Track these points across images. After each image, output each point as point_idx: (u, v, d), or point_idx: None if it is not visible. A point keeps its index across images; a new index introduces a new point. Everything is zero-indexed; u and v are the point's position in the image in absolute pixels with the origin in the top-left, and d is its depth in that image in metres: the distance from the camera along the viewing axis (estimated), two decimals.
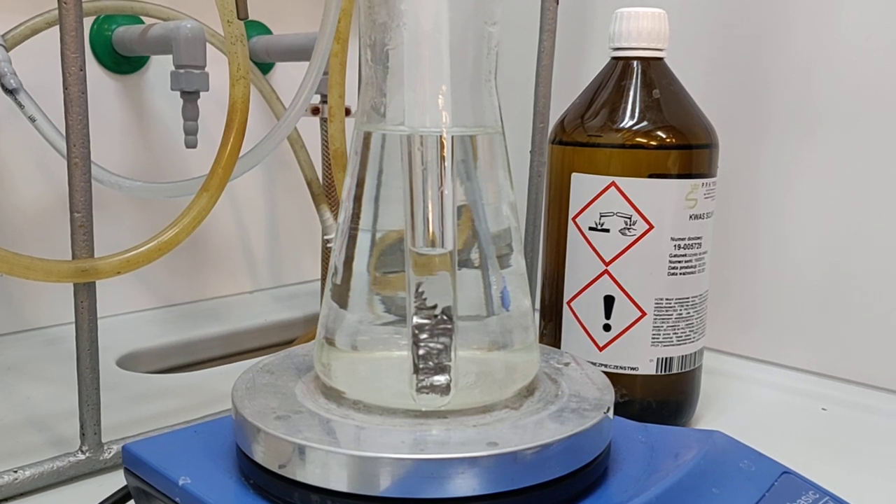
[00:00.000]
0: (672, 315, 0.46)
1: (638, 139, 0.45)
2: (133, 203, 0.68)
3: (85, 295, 0.39)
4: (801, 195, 0.59)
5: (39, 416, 0.48)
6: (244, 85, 0.44)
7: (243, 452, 0.30)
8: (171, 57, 0.59)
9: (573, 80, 0.62)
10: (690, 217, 0.45)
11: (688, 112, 0.47)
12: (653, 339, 0.46)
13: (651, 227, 0.45)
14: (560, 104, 0.52)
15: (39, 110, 0.53)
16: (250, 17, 0.44)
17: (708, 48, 0.62)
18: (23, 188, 0.63)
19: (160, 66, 0.69)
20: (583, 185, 0.46)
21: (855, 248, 0.57)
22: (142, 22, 0.66)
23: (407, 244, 0.29)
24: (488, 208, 0.32)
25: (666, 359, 0.46)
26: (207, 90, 0.60)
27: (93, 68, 0.65)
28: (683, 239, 0.45)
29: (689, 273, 0.46)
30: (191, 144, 0.62)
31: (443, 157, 0.29)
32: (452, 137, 0.29)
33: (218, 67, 0.60)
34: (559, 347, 0.48)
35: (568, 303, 0.47)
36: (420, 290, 0.29)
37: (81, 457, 0.40)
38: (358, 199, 0.32)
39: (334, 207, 0.65)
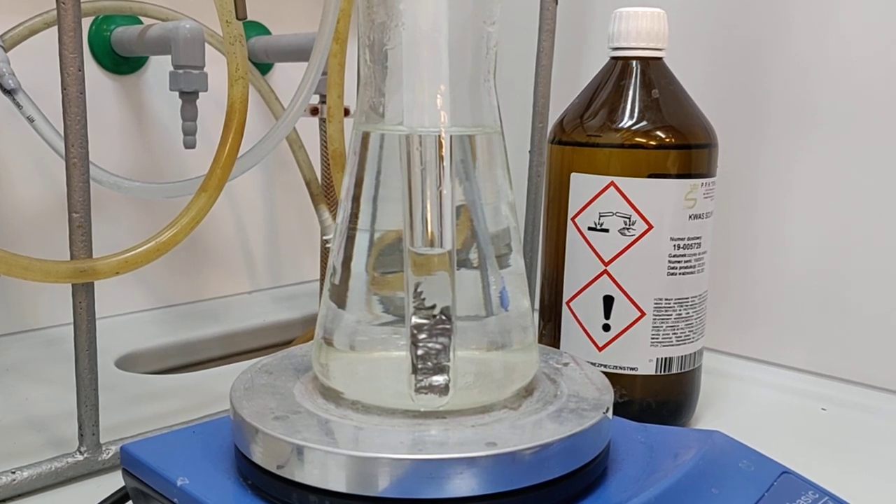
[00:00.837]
0: (671, 315, 0.46)
1: (637, 139, 0.45)
2: (131, 203, 0.68)
3: (83, 295, 0.39)
4: (801, 195, 0.58)
5: (38, 417, 0.48)
6: (243, 85, 0.44)
7: (241, 453, 0.30)
8: (169, 57, 0.59)
9: (572, 80, 0.62)
10: (690, 217, 0.45)
11: (687, 112, 0.47)
12: (652, 339, 0.46)
13: (650, 227, 0.45)
14: (559, 104, 0.52)
15: (38, 111, 0.53)
16: (249, 18, 0.44)
17: (707, 48, 0.62)
18: (21, 188, 0.63)
19: (159, 67, 0.69)
20: (582, 185, 0.46)
21: (854, 247, 0.57)
22: (140, 22, 0.66)
23: (406, 244, 0.29)
24: (487, 208, 0.32)
25: (665, 359, 0.46)
26: (206, 90, 0.60)
27: (91, 69, 0.65)
28: (683, 239, 0.45)
29: (688, 273, 0.46)
30: (189, 145, 0.62)
31: (441, 157, 0.29)
32: (451, 137, 0.29)
33: (217, 68, 0.60)
34: (558, 348, 0.48)
35: (567, 303, 0.47)
36: (419, 290, 0.29)
37: (80, 457, 0.40)
38: (356, 199, 0.32)
39: (333, 208, 0.65)
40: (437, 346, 0.29)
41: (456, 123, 0.30)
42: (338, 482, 0.28)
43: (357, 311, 0.32)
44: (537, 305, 0.50)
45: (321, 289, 0.72)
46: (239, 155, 0.45)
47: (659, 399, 0.47)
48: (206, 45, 0.60)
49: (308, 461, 0.28)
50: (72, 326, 0.39)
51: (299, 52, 0.67)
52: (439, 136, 0.29)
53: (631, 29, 0.46)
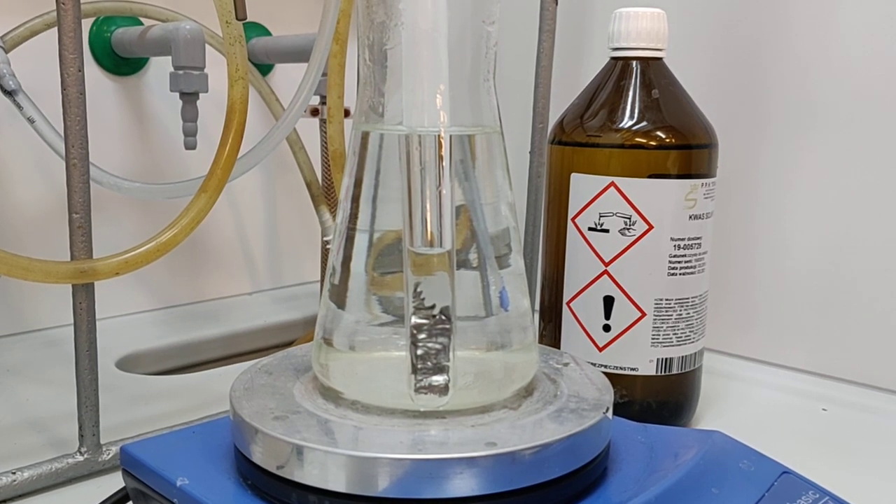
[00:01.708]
0: (672, 315, 0.46)
1: (637, 139, 0.45)
2: (131, 204, 0.68)
3: (84, 296, 0.39)
4: (801, 195, 0.58)
5: (38, 418, 0.48)
6: (243, 86, 0.44)
7: (241, 453, 0.30)
8: (170, 58, 0.59)
9: (572, 81, 0.62)
10: (690, 217, 0.45)
11: (687, 112, 0.47)
12: (653, 339, 0.46)
13: (651, 227, 0.45)
14: (559, 104, 0.52)
15: (38, 112, 0.53)
16: (249, 19, 0.44)
17: (707, 48, 0.62)
18: (21, 189, 0.63)
19: (159, 68, 0.69)
20: (582, 186, 0.46)
21: (854, 248, 0.57)
22: (141, 23, 0.66)
23: (405, 244, 0.29)
24: (487, 208, 0.32)
25: (666, 359, 0.46)
26: (206, 91, 0.60)
27: (92, 70, 0.65)
28: (683, 239, 0.45)
29: (688, 273, 0.46)
30: (190, 146, 0.62)
31: (441, 157, 0.29)
32: (451, 137, 0.29)
33: (217, 69, 0.60)
34: (559, 348, 0.48)
35: (567, 303, 0.47)
36: (418, 290, 0.29)
37: (80, 458, 0.40)
38: (356, 200, 0.32)
39: (333, 208, 0.65)
40: (437, 346, 0.29)
41: (455, 123, 0.30)
42: (337, 482, 0.28)
43: (357, 312, 0.32)
44: (537, 306, 0.50)
45: (321, 290, 0.72)
46: (239, 156, 0.45)
47: (659, 399, 0.47)
48: (207, 46, 0.60)
49: (308, 461, 0.28)
50: (72, 327, 0.39)
51: (299, 53, 0.67)
52: (439, 136, 0.29)
53: (631, 29, 0.46)
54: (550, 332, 0.49)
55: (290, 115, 0.50)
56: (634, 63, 0.47)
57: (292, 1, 0.78)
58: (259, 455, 0.29)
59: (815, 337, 0.59)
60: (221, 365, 0.65)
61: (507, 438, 0.28)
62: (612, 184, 0.45)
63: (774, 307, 0.60)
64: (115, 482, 0.38)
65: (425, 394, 0.30)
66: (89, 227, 0.38)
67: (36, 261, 0.38)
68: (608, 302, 0.46)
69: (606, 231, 0.46)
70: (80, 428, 0.40)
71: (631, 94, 0.46)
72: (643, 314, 0.45)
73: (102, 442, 0.41)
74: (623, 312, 0.46)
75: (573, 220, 0.47)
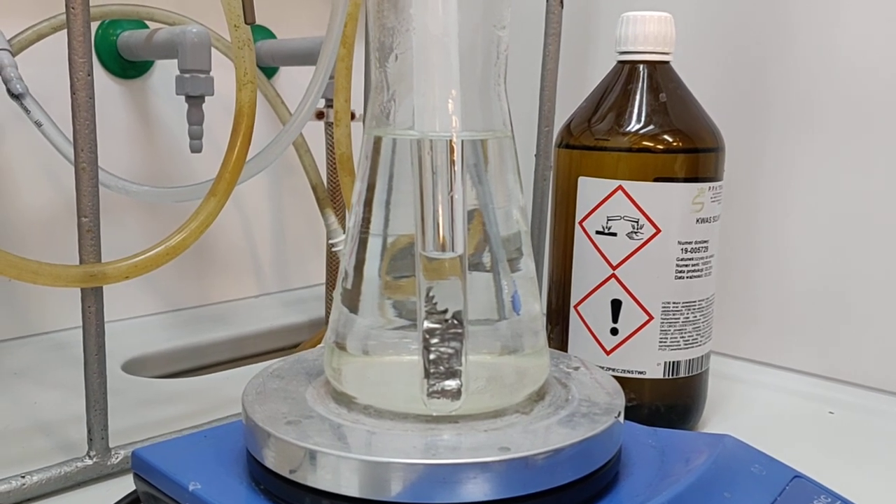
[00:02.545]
0: (679, 319, 0.46)
1: (645, 143, 0.45)
2: (137, 207, 0.68)
3: (93, 300, 0.39)
4: (808, 197, 0.58)
5: (46, 421, 0.48)
6: (251, 90, 0.44)
7: (254, 457, 0.30)
8: (176, 61, 0.59)
9: (579, 84, 0.62)
10: (697, 221, 0.45)
11: (694, 116, 0.47)
12: (660, 342, 0.46)
13: (658, 230, 0.45)
14: (566, 108, 0.52)
15: (45, 115, 0.53)
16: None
17: (714, 52, 0.62)
18: (29, 193, 0.64)
19: (165, 71, 0.69)
20: (590, 189, 0.46)
21: (861, 250, 0.57)
22: (146, 27, 0.67)
23: (417, 248, 0.29)
24: (499, 212, 0.32)
25: (673, 363, 0.46)
26: (212, 94, 0.60)
27: (98, 73, 0.65)
28: (690, 243, 0.45)
29: (696, 277, 0.46)
30: (196, 149, 0.62)
31: (452, 162, 0.29)
32: (462, 142, 0.29)
33: (223, 72, 0.60)
34: (566, 351, 0.48)
35: (575, 307, 0.47)
36: (430, 294, 0.29)
37: (89, 462, 0.40)
38: (368, 204, 0.32)
39: (339, 212, 0.65)
40: (449, 351, 0.29)
41: (467, 128, 0.30)
42: (350, 487, 0.28)
43: (370, 316, 0.32)
44: (545, 309, 0.50)
45: (327, 293, 0.73)
46: (247, 159, 0.45)
47: (667, 403, 0.47)
48: (213, 50, 0.60)
49: (321, 466, 0.28)
50: (79, 330, 0.39)
51: (305, 56, 0.67)
52: (450, 141, 0.29)
53: (638, 33, 0.46)
54: (558, 336, 0.49)
55: (298, 119, 0.50)
56: (641, 66, 0.47)
57: (297, 4, 0.78)
58: (272, 459, 0.29)
59: (820, 339, 0.59)
60: (228, 368, 0.65)
61: (520, 443, 0.28)
62: (620, 187, 0.45)
63: (779, 309, 0.60)
64: (124, 486, 0.38)
65: (438, 398, 0.30)
66: (98, 231, 0.38)
67: (45, 265, 0.38)
68: (616, 305, 0.46)
69: (614, 234, 0.46)
70: (89, 432, 0.40)
71: (638, 97, 0.46)
72: (651, 317, 0.45)
73: (111, 446, 0.41)
74: (630, 316, 0.46)
75: (581, 223, 0.47)
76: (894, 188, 0.55)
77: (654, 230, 0.45)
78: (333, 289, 0.68)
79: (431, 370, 0.29)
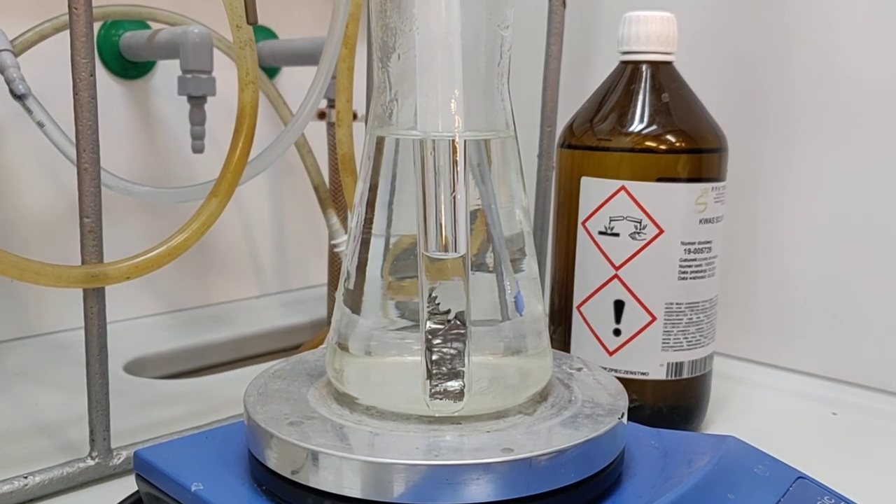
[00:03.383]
0: (682, 320, 0.45)
1: (647, 143, 0.45)
2: (138, 207, 0.68)
3: (94, 300, 0.39)
4: (810, 198, 0.58)
5: (48, 422, 0.48)
6: (253, 90, 0.44)
7: (256, 458, 0.30)
8: (177, 62, 0.59)
9: (581, 84, 0.62)
10: (700, 221, 0.45)
11: (697, 116, 0.47)
12: (663, 343, 0.45)
13: (661, 231, 0.45)
14: (568, 108, 0.52)
15: (48, 116, 0.53)
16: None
17: (716, 52, 0.62)
18: (31, 194, 0.63)
19: (167, 71, 0.69)
20: (592, 189, 0.46)
21: (863, 250, 0.56)
22: (148, 27, 0.67)
23: (420, 248, 0.29)
24: (502, 212, 0.32)
25: (676, 363, 0.46)
26: (214, 95, 0.60)
27: (100, 73, 0.65)
28: (693, 243, 0.45)
29: (699, 277, 0.46)
30: (198, 149, 0.62)
31: (455, 162, 0.29)
32: (465, 141, 0.29)
33: (225, 72, 0.60)
34: (568, 352, 0.48)
35: (577, 307, 0.47)
36: (433, 294, 0.29)
37: (91, 462, 0.40)
38: (371, 204, 0.32)
39: (341, 212, 0.65)
40: (452, 352, 0.29)
41: (470, 128, 0.30)
42: (353, 488, 0.28)
43: (372, 317, 0.32)
44: (547, 310, 0.50)
45: (329, 293, 0.72)
46: (249, 160, 0.45)
47: (670, 404, 0.47)
48: (215, 50, 0.60)
49: (323, 467, 0.28)
50: (80, 331, 0.39)
51: (306, 57, 0.67)
52: (453, 141, 0.29)
53: (641, 33, 0.46)
54: (560, 337, 0.49)
55: (300, 119, 0.50)
56: (644, 67, 0.47)
57: (298, 4, 0.78)
58: (274, 460, 0.29)
59: (823, 340, 0.59)
60: (229, 368, 0.65)
61: (524, 444, 0.28)
62: (623, 188, 0.45)
63: (782, 310, 0.60)
64: (125, 487, 0.38)
65: (440, 399, 0.29)
66: (100, 232, 0.38)
67: (47, 265, 0.38)
68: (618, 306, 0.46)
69: (617, 235, 0.45)
70: (91, 432, 0.40)
71: (641, 97, 0.46)
72: (654, 318, 0.45)
73: (113, 446, 0.41)
74: (633, 316, 0.46)
75: (583, 223, 0.47)
76: None
77: (656, 231, 0.45)
78: (335, 289, 0.68)
79: (434, 371, 0.29)
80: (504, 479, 0.27)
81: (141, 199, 0.58)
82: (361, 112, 0.59)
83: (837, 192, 0.57)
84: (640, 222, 0.45)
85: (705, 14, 0.62)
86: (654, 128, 0.45)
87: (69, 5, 0.36)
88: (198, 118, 0.61)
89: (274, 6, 0.76)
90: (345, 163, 0.52)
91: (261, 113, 0.45)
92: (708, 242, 0.46)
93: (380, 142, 0.32)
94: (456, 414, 0.30)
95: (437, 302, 0.29)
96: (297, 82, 0.78)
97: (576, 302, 0.47)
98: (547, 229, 0.56)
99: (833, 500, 0.32)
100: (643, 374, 0.46)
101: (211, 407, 0.51)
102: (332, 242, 0.63)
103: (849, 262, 0.57)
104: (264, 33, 0.75)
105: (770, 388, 0.57)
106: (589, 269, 0.47)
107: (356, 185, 0.33)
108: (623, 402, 0.32)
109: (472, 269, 0.30)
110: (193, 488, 0.30)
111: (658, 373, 0.46)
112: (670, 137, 0.45)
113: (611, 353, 0.46)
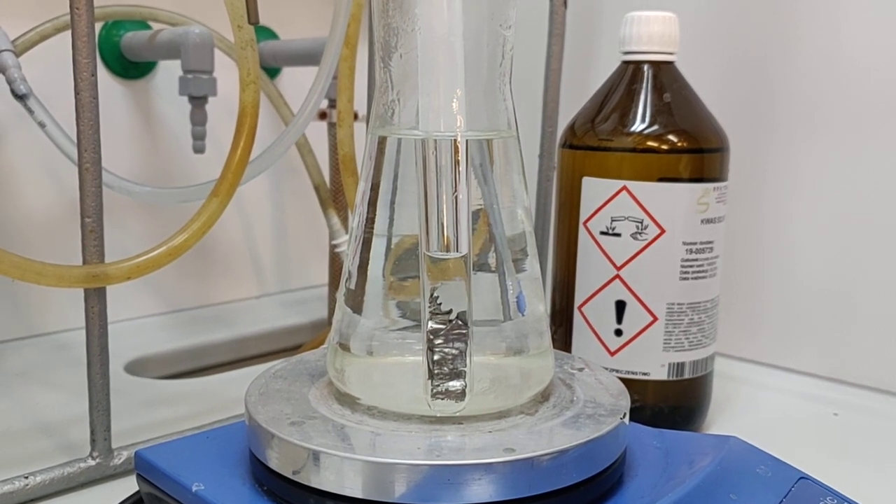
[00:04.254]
0: (684, 320, 0.45)
1: (649, 143, 0.45)
2: (138, 208, 0.68)
3: (95, 300, 0.39)
4: (811, 198, 0.58)
5: (49, 422, 0.48)
6: (254, 90, 0.44)
7: (257, 458, 0.30)
8: (179, 62, 0.59)
9: (582, 84, 0.62)
10: (702, 221, 0.45)
11: (699, 116, 0.47)
12: (664, 344, 0.45)
13: (663, 231, 0.45)
14: (569, 108, 0.52)
15: (49, 116, 0.53)
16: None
17: (718, 52, 0.61)
18: (32, 194, 0.63)
19: (168, 72, 0.69)
20: (594, 189, 0.46)
21: (865, 251, 0.56)
22: (149, 27, 0.66)
23: (421, 248, 0.29)
24: (504, 212, 0.32)
25: (678, 364, 0.46)
26: (215, 95, 0.60)
27: (101, 74, 0.65)
28: (695, 243, 0.45)
29: (700, 278, 0.46)
30: (199, 149, 0.62)
31: (457, 162, 0.29)
32: (467, 141, 0.29)
33: (226, 73, 0.60)
34: (570, 352, 0.48)
35: (579, 307, 0.47)
36: (434, 294, 0.29)
37: (92, 463, 0.40)
38: (372, 204, 0.32)
39: (342, 212, 0.65)
40: (454, 352, 0.29)
41: (472, 128, 0.30)
42: (354, 488, 0.28)
43: (374, 316, 0.32)
44: (548, 310, 0.50)
45: (330, 294, 0.72)
46: (250, 160, 0.45)
47: (671, 404, 0.47)
48: (216, 50, 0.60)
49: (324, 467, 0.28)
50: (82, 331, 0.39)
51: (307, 57, 0.67)
52: (455, 141, 0.29)
53: (642, 33, 0.46)
54: (561, 337, 0.49)
55: (301, 119, 0.49)
56: (646, 67, 0.47)
57: (299, 5, 0.78)
58: (275, 460, 0.29)
59: (825, 341, 0.59)
60: (229, 369, 0.65)
61: (525, 444, 0.28)
62: (624, 188, 0.45)
63: (784, 311, 0.60)
64: (126, 487, 0.38)
65: (442, 399, 0.29)
66: (101, 232, 0.38)
67: (49, 265, 0.38)
68: (620, 306, 0.46)
69: (618, 235, 0.45)
70: (92, 432, 0.40)
71: (642, 97, 0.46)
72: (655, 318, 0.45)
73: (114, 446, 0.41)
74: (635, 317, 0.45)
75: (585, 223, 0.47)
76: None
77: (658, 231, 0.45)
78: (336, 289, 0.68)
79: (435, 371, 0.29)
80: (506, 479, 0.27)
81: (142, 200, 0.58)
82: (362, 112, 0.59)
83: (839, 193, 0.57)
84: (641, 222, 0.45)
85: (707, 14, 0.62)
86: (655, 128, 0.45)
87: (70, 5, 0.36)
88: (199, 118, 0.61)
89: (275, 6, 0.76)
90: (346, 163, 0.52)
91: (262, 113, 0.45)
92: (710, 242, 0.46)
93: (381, 141, 0.32)
94: (457, 414, 0.30)
95: (438, 302, 0.29)
96: (298, 82, 0.78)
97: (577, 302, 0.47)
98: (548, 229, 0.56)
99: (835, 501, 0.32)
100: (644, 374, 0.46)
101: (212, 407, 0.51)
102: (333, 242, 0.63)
103: (851, 263, 0.57)
104: (265, 33, 0.75)
105: (772, 389, 0.57)
106: (590, 270, 0.47)
107: (357, 185, 0.33)
108: (625, 402, 0.32)
109: (473, 269, 0.30)
110: (194, 488, 0.30)
111: (659, 373, 0.46)
112: (672, 137, 0.45)
113: (612, 354, 0.46)
